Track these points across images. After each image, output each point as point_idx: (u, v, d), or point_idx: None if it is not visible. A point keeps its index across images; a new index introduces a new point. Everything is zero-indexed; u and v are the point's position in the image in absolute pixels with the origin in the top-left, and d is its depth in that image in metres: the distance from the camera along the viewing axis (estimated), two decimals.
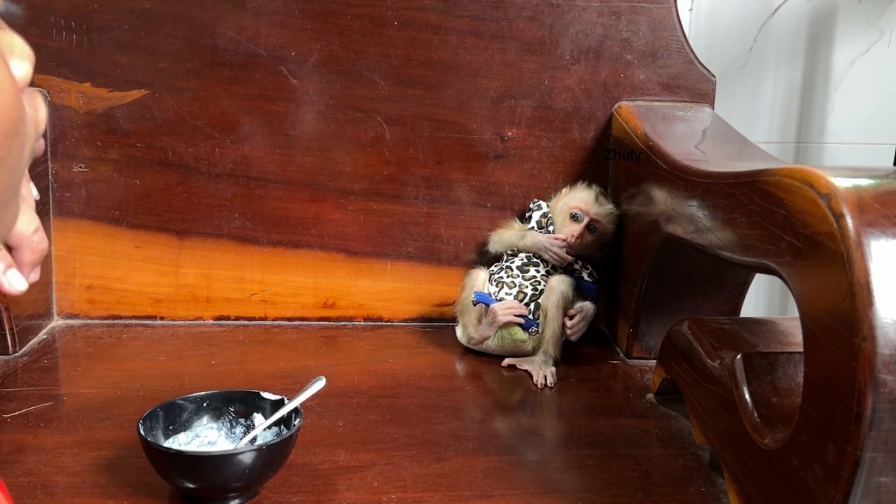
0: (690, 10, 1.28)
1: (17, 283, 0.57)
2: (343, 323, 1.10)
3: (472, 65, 1.06)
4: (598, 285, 1.02)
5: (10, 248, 0.57)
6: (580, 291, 1.00)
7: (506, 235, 1.03)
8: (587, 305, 0.98)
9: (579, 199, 1.01)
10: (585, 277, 1.00)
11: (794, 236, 0.57)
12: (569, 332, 0.96)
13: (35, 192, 0.60)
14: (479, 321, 0.98)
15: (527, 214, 1.05)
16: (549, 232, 1.02)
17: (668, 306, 0.96)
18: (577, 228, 1.00)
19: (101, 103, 1.04)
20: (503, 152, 1.08)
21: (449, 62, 1.06)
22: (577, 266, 1.01)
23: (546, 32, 1.06)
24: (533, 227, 1.03)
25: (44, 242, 0.57)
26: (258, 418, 0.72)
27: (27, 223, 0.56)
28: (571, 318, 0.96)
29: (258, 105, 1.05)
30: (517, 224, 1.05)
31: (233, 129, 1.06)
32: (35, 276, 0.59)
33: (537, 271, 0.99)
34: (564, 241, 0.99)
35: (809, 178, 0.55)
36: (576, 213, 1.00)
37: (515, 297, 0.97)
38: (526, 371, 0.94)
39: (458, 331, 1.01)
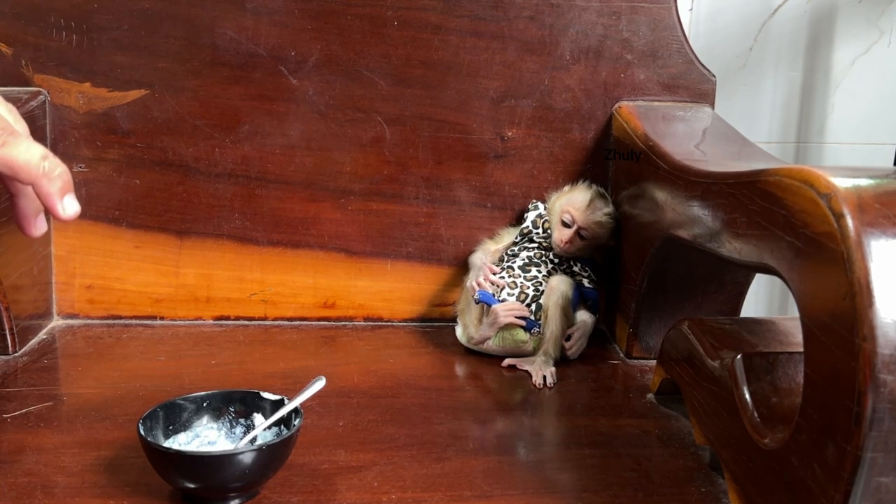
0: (690, 10, 1.28)
1: (70, 207, 0.54)
2: (343, 323, 1.10)
3: (472, 65, 1.06)
4: (599, 290, 1.02)
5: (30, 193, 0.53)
6: (582, 296, 1.00)
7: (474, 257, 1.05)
8: (586, 322, 0.98)
9: (571, 204, 1.01)
10: (586, 284, 1.00)
11: (794, 236, 0.57)
12: (568, 353, 0.96)
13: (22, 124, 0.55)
14: (480, 321, 0.98)
15: (524, 215, 1.05)
16: (546, 232, 1.02)
17: (668, 306, 0.96)
18: (567, 234, 1.00)
19: (101, 103, 1.04)
20: (503, 152, 1.08)
21: (449, 62, 1.06)
22: (576, 269, 1.01)
23: (546, 32, 1.06)
24: (528, 227, 1.03)
25: (59, 166, 0.53)
26: (258, 418, 0.72)
27: (27, 152, 0.51)
28: (568, 338, 0.96)
29: (258, 105, 1.05)
30: (506, 234, 1.05)
31: (233, 129, 1.06)
32: (74, 204, 0.53)
33: (539, 271, 0.99)
34: (491, 273, 1.00)
35: (809, 178, 0.55)
36: (565, 219, 1.00)
37: (517, 298, 0.97)
38: (526, 371, 0.94)
39: (458, 330, 1.01)
